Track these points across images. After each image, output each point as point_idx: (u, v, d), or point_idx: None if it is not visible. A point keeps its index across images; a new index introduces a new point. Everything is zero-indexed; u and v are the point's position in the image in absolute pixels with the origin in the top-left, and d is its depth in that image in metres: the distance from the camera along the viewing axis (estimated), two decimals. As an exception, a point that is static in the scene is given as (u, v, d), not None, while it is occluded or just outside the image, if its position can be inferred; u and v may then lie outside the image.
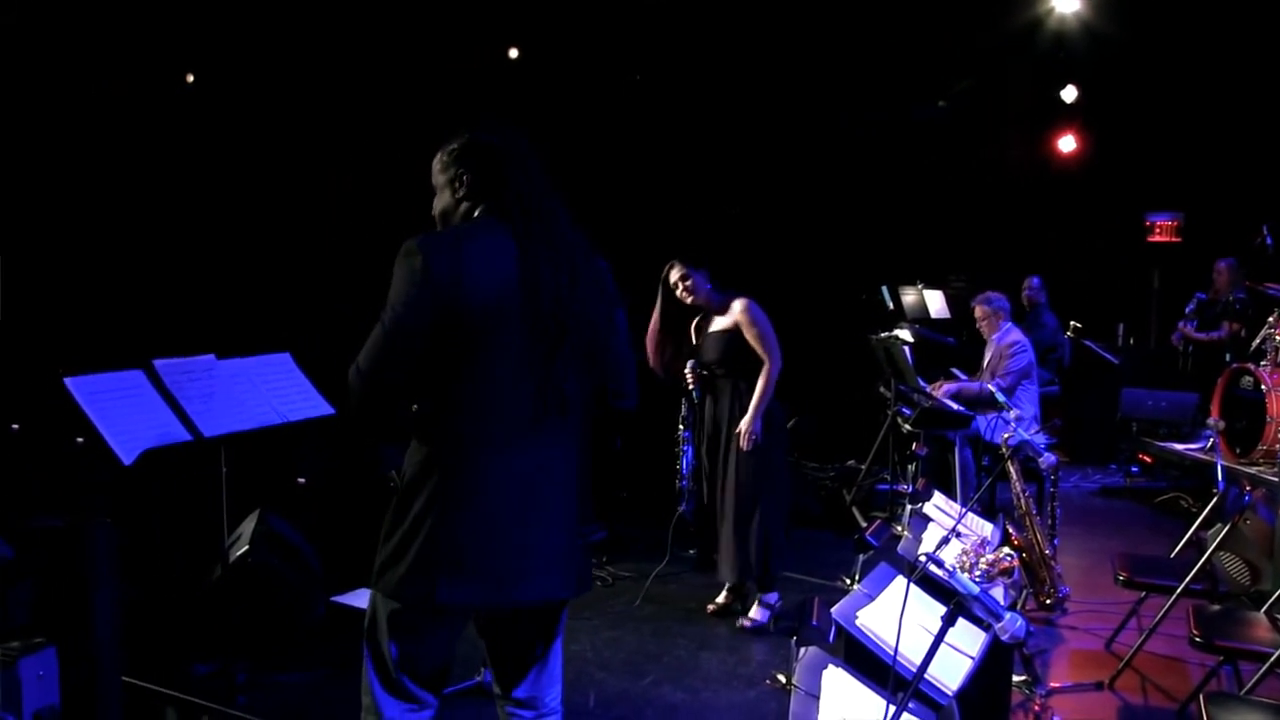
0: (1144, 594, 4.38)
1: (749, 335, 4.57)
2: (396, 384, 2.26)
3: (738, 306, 4.59)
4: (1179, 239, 9.68)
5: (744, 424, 4.54)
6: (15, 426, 6.26)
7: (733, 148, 9.64)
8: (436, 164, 2.43)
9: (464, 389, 2.25)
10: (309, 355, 4.19)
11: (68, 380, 3.40)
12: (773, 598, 4.70)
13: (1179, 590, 4.00)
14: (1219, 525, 4.61)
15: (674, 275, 4.63)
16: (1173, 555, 4.77)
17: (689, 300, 4.63)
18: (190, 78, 10.44)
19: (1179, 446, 6.13)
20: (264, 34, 9.75)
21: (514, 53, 9.90)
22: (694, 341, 4.75)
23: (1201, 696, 2.99)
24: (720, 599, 4.84)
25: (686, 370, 4.66)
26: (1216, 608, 3.77)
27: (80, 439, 5.09)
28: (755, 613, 4.67)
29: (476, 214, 2.36)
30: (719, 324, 4.65)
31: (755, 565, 4.62)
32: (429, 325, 2.20)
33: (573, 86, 9.78)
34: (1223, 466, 4.88)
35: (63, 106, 9.66)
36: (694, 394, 4.70)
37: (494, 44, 9.92)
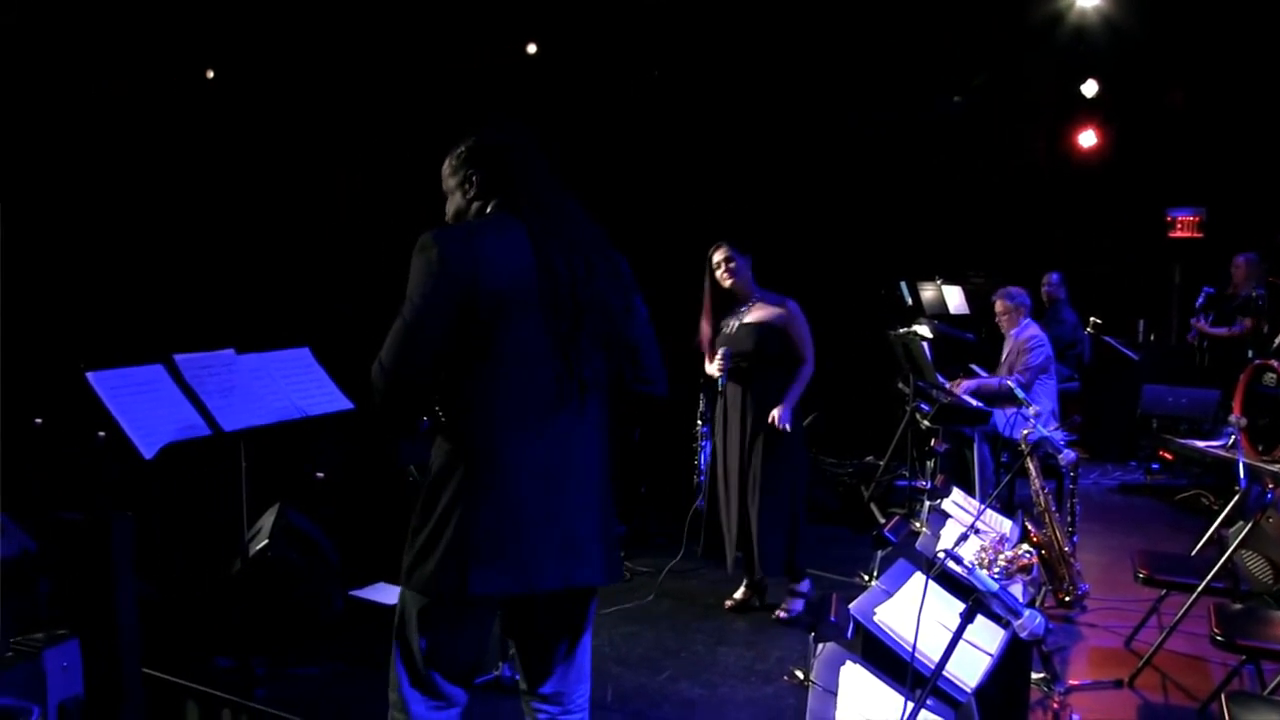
0: (1164, 592, 4.35)
1: (797, 333, 4.59)
2: (420, 377, 2.27)
3: (785, 305, 4.62)
4: (1201, 234, 9.61)
5: (776, 411, 4.54)
6: (38, 420, 6.32)
7: (752, 143, 9.62)
8: (446, 168, 2.47)
9: (484, 378, 2.26)
10: (318, 353, 4.21)
11: (90, 375, 3.43)
12: (805, 585, 4.73)
13: (1200, 588, 3.97)
14: (1241, 523, 4.57)
15: (718, 255, 4.63)
16: (1194, 553, 4.75)
17: (727, 283, 4.62)
18: (210, 74, 10.51)
19: (1200, 443, 6.08)
20: (273, 33, 9.79)
21: (532, 48, 9.90)
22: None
23: (1223, 696, 2.97)
24: (738, 594, 4.84)
25: (718, 357, 4.64)
26: (1238, 606, 3.75)
27: (102, 433, 5.14)
28: (790, 603, 4.69)
29: (489, 210, 2.39)
30: (754, 315, 4.63)
31: (787, 559, 4.64)
32: (448, 316, 2.22)
33: (590, 82, 9.78)
34: (1245, 464, 4.83)
35: (79, 106, 9.74)
36: (720, 382, 4.68)
37: (509, 40, 9.93)
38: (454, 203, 2.47)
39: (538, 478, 2.29)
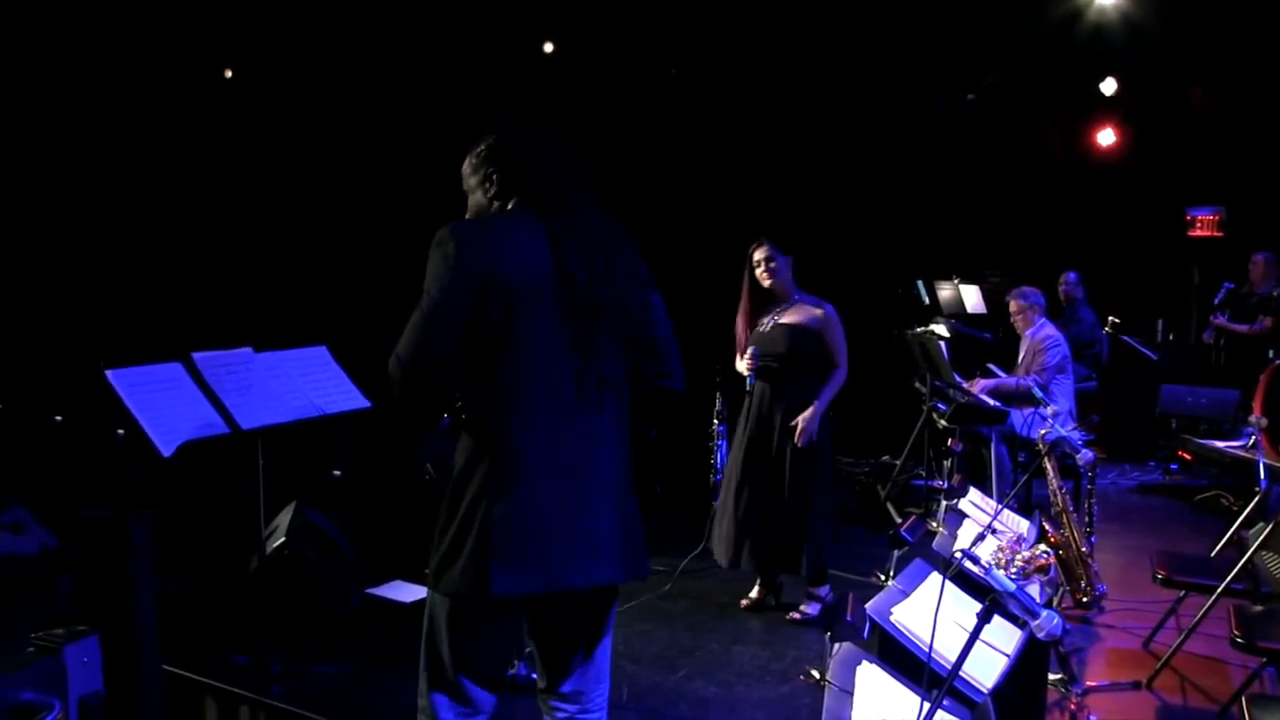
0: (1183, 593, 4.32)
1: (832, 338, 4.56)
2: (436, 371, 2.28)
3: (821, 308, 4.59)
4: (1220, 233, 9.54)
5: (802, 419, 4.51)
6: (58, 418, 6.37)
7: (770, 142, 9.60)
8: (467, 166, 2.48)
9: (504, 375, 2.27)
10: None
11: (109, 373, 3.45)
12: (824, 590, 4.70)
13: (1220, 590, 3.94)
14: (1261, 524, 4.53)
15: (759, 254, 4.60)
16: (1213, 554, 4.71)
17: (767, 282, 4.60)
18: (229, 73, 10.57)
19: (1220, 444, 6.04)
20: (271, 34, 9.83)
21: (549, 47, 9.92)
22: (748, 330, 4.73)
23: (1244, 699, 2.95)
24: (754, 594, 4.83)
25: (746, 356, 4.62)
26: (1259, 608, 3.72)
27: (121, 431, 5.17)
28: (806, 606, 4.66)
29: (510, 207, 2.41)
30: (790, 317, 4.60)
31: (809, 561, 4.60)
32: (465, 310, 2.22)
33: (597, 81, 9.78)
34: (1265, 464, 4.80)
35: (80, 107, 9.82)
36: (748, 381, 4.67)
37: (510, 40, 9.94)
38: (475, 201, 2.48)
39: (557, 477, 2.30)
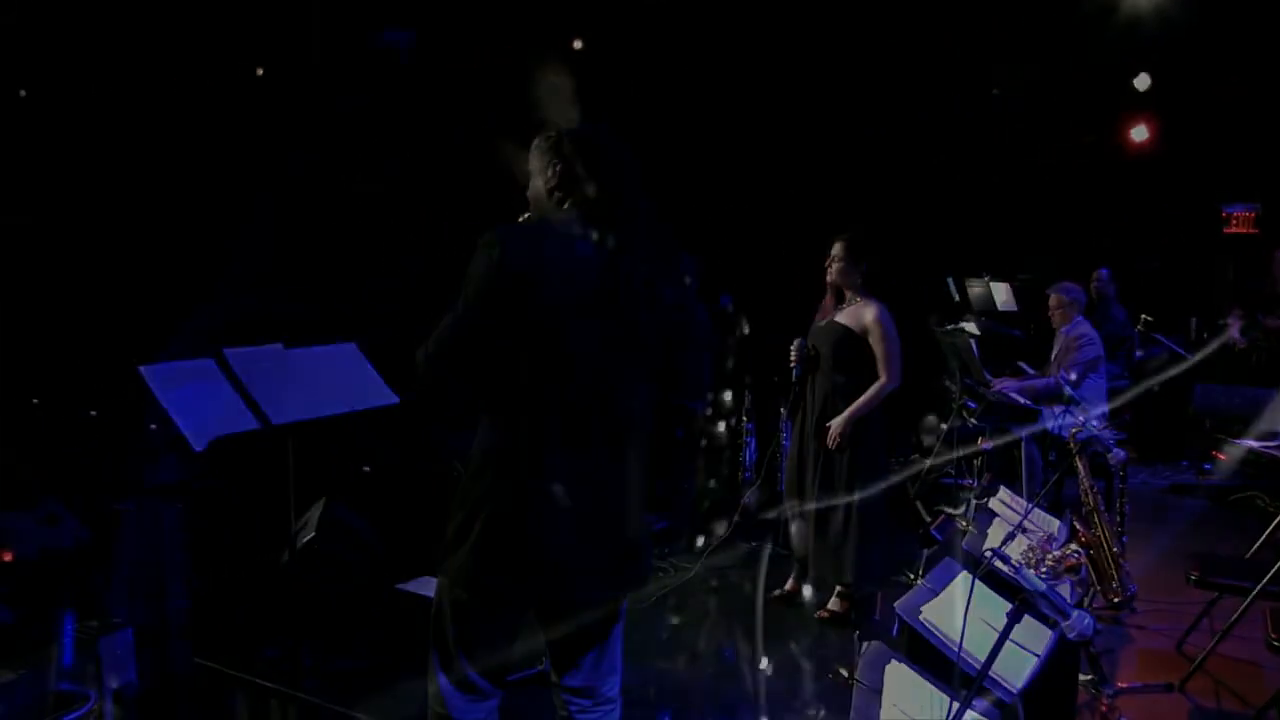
0: (1217, 595, 4.27)
1: (876, 345, 4.49)
2: (458, 373, 2.28)
3: (870, 313, 4.50)
4: (1256, 230, 9.42)
5: (836, 422, 4.48)
6: (93, 413, 6.45)
7: (796, 138, 9.57)
8: (535, 146, 2.41)
9: (533, 383, 2.25)
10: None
11: (142, 368, 3.49)
12: (853, 589, 4.66)
13: (1255, 592, 3.89)
14: (1298, 525, 4.48)
15: (836, 248, 4.58)
16: (1248, 555, 4.65)
17: (830, 276, 4.59)
18: (260, 71, 10.64)
19: (1255, 444, 5.96)
20: (278, 34, 9.88)
21: (578, 44, 9.92)
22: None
23: None
24: (787, 586, 4.81)
25: (792, 347, 4.60)
26: (1295, 611, 3.67)
27: (154, 426, 5.23)
28: (834, 604, 4.64)
29: (565, 206, 2.34)
30: (842, 317, 4.57)
31: (844, 562, 4.57)
32: (500, 317, 2.19)
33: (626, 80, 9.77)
34: (1302, 465, 4.74)
35: (110, 109, 9.90)
36: (794, 371, 4.64)
37: (506, 41, 9.93)
38: (534, 186, 2.41)
39: (574, 489, 2.27)
